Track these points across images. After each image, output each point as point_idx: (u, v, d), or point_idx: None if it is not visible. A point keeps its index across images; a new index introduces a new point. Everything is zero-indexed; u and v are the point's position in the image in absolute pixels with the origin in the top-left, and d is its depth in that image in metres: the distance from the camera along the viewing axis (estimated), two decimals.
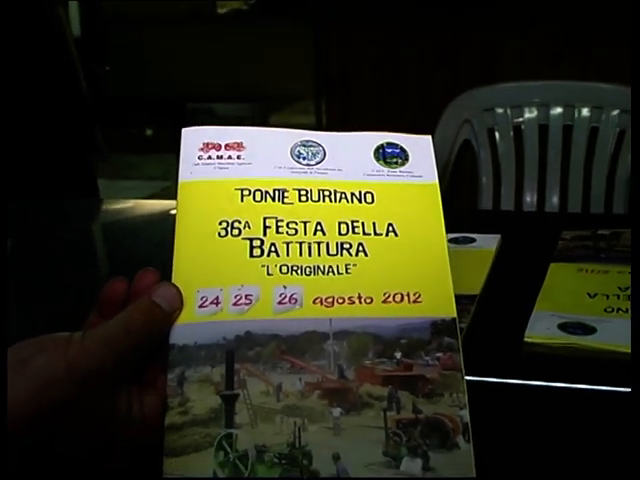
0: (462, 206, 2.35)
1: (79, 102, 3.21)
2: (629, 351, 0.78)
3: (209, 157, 0.71)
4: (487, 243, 1.05)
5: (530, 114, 2.17)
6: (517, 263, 1.02)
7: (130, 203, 1.58)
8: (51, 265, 1.24)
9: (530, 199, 2.18)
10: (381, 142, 0.74)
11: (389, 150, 0.73)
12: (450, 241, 1.06)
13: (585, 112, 2.10)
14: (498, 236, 1.07)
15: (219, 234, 0.67)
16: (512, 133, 2.19)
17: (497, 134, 2.19)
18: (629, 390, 0.72)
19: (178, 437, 0.60)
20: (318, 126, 2.83)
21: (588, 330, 0.84)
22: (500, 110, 2.19)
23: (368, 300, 0.65)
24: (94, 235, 1.51)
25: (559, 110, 2.14)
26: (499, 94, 2.20)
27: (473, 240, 1.07)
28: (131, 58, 5.03)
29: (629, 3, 1.08)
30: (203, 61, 4.73)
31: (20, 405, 0.55)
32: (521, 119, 2.17)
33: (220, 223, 0.68)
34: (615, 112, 2.04)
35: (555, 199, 2.15)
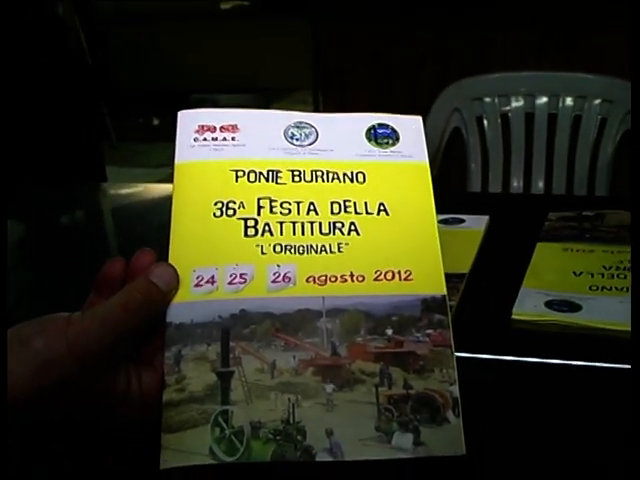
0: (452, 190, 2.33)
1: (88, 91, 3.19)
2: (614, 328, 0.76)
3: (204, 139, 0.69)
4: (476, 224, 1.03)
5: (517, 103, 2.15)
6: (505, 243, 1.00)
7: (140, 187, 1.56)
8: (62, 247, 1.22)
9: (517, 184, 2.17)
10: (373, 123, 0.71)
11: (380, 131, 0.71)
12: (440, 222, 1.04)
13: (569, 101, 2.09)
14: (486, 217, 1.04)
15: (214, 214, 0.65)
16: (500, 121, 2.17)
17: (485, 122, 2.18)
18: (616, 366, 0.70)
19: (175, 413, 0.57)
20: None
21: (574, 307, 0.82)
22: (488, 99, 2.17)
23: (360, 278, 0.63)
24: (103, 217, 1.48)
25: (544, 99, 2.13)
26: (487, 84, 2.18)
27: (462, 221, 1.04)
28: (139, 53, 5.00)
29: None
30: (207, 54, 4.71)
31: (21, 384, 0.52)
32: (508, 108, 2.16)
33: (215, 204, 0.65)
34: (597, 101, 2.03)
35: (540, 183, 2.14)
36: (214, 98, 4.89)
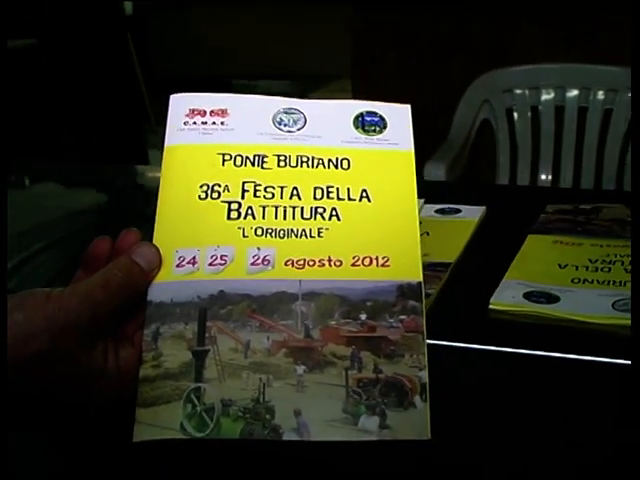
0: (480, 182, 2.32)
1: (130, 75, 3.24)
2: (589, 320, 0.76)
3: (194, 123, 0.70)
4: (471, 214, 1.03)
5: (547, 95, 2.14)
6: (497, 234, 0.99)
7: None
8: (100, 229, 1.23)
9: (545, 177, 2.16)
10: (361, 110, 0.72)
11: (368, 118, 0.71)
12: (436, 211, 1.05)
13: (600, 94, 2.07)
14: (483, 208, 1.04)
15: (199, 197, 0.66)
16: (530, 113, 2.16)
17: (515, 114, 2.17)
18: (589, 358, 0.70)
19: (150, 389, 0.59)
20: None
21: (552, 299, 0.81)
22: (518, 91, 2.16)
23: (338, 263, 0.64)
24: (143, 199, 1.50)
25: (575, 92, 2.11)
26: (518, 76, 2.17)
27: (459, 211, 1.04)
28: (181, 39, 5.03)
29: None
30: (247, 40, 4.72)
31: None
32: (538, 100, 2.14)
33: (201, 186, 0.67)
34: (628, 94, 2.00)
35: (569, 177, 2.12)
36: (255, 84, 4.91)
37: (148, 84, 4.64)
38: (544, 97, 2.13)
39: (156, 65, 4.98)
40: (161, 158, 0.69)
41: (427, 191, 0.90)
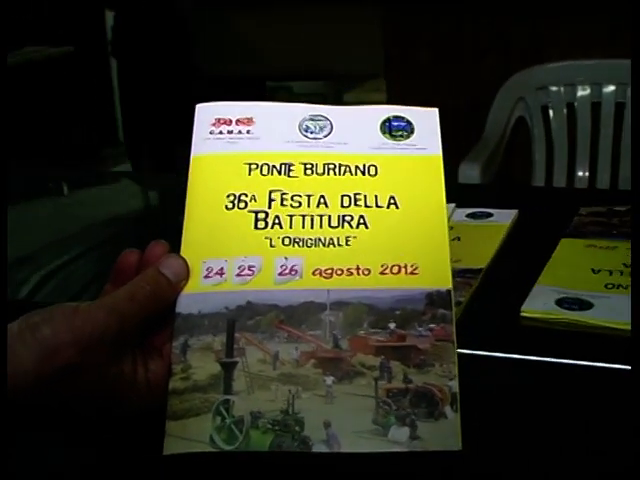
0: (516, 181, 2.30)
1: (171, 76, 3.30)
2: (623, 327, 0.74)
3: (220, 132, 0.70)
4: (503, 218, 1.01)
5: (583, 92, 2.11)
6: (529, 238, 0.97)
7: None
8: (133, 232, 1.25)
9: (582, 174, 2.13)
10: (388, 115, 0.71)
11: (395, 123, 0.71)
12: (467, 216, 1.03)
13: None
14: (515, 211, 1.02)
15: (226, 207, 0.66)
16: (565, 111, 2.13)
17: (551, 112, 2.14)
18: (623, 367, 0.68)
19: (180, 401, 0.59)
20: (389, 104, 2.79)
21: (585, 306, 0.79)
22: (554, 88, 2.14)
23: (366, 272, 0.63)
24: (175, 203, 1.50)
25: (612, 88, 2.08)
26: (553, 73, 2.15)
27: (490, 215, 1.02)
28: (215, 40, 5.04)
29: None
30: (281, 41, 4.72)
31: (26, 371, 0.54)
32: (574, 97, 2.12)
33: (228, 196, 0.66)
34: None
35: (606, 175, 2.09)
36: (289, 85, 4.91)
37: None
38: (580, 93, 2.10)
39: (195, 65, 5.00)
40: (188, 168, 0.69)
41: (459, 195, 0.89)
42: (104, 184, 1.62)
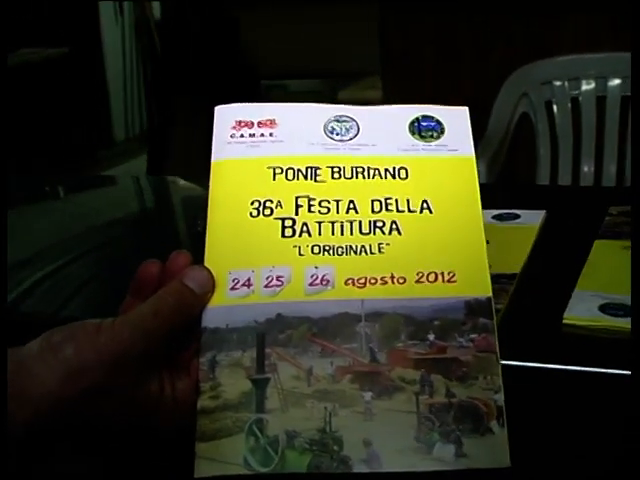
0: (520, 177, 2.27)
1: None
2: None
3: (241, 135, 0.67)
4: (531, 219, 0.98)
5: (587, 86, 2.09)
6: (561, 240, 0.94)
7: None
8: (131, 237, 1.23)
9: (587, 170, 2.10)
10: (416, 115, 0.68)
11: (424, 123, 0.68)
12: (494, 217, 1.00)
13: None
14: (543, 212, 0.99)
15: (251, 214, 0.63)
16: (570, 105, 2.11)
17: (555, 107, 2.12)
18: None
19: (210, 421, 0.56)
20: (385, 101, 2.77)
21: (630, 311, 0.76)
22: (558, 83, 2.11)
23: (401, 280, 0.60)
24: (174, 208, 1.48)
25: (617, 82, 2.06)
26: (557, 67, 2.12)
27: (517, 216, 0.99)
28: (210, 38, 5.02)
29: None
30: (275, 40, 4.70)
31: (50, 392, 0.52)
32: (578, 91, 2.09)
33: (252, 203, 0.63)
34: None
35: (612, 170, 2.07)
36: (284, 84, 4.88)
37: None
38: (584, 88, 2.08)
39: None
40: (208, 174, 0.66)
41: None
42: (100, 187, 1.60)
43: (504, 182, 1.92)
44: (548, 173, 2.12)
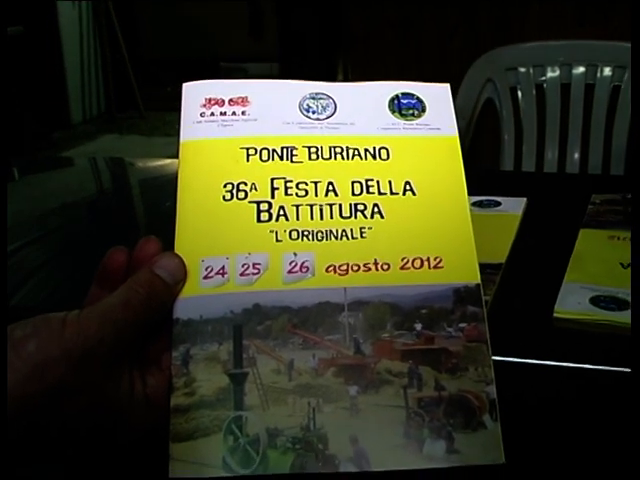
0: (484, 164, 2.26)
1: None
2: None
3: (212, 114, 0.63)
4: (513, 207, 0.95)
5: (552, 73, 2.08)
6: (545, 228, 0.91)
7: (167, 161, 1.51)
8: (88, 222, 1.20)
9: (551, 156, 2.10)
10: (396, 92, 0.65)
11: (405, 101, 0.64)
12: (474, 204, 0.98)
13: (607, 71, 2.01)
14: (524, 199, 0.96)
15: (224, 198, 0.59)
16: (534, 92, 2.10)
17: (520, 93, 2.10)
18: None
19: (185, 420, 0.52)
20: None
21: (622, 305, 0.73)
22: (523, 69, 2.10)
23: (385, 266, 0.57)
24: (131, 192, 1.44)
25: (581, 69, 2.05)
26: (522, 53, 2.11)
27: (498, 204, 0.97)
28: (167, 22, 4.97)
29: None
30: (234, 22, 4.66)
31: (12, 389, 0.48)
32: (543, 78, 2.08)
33: (225, 186, 0.59)
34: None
35: (576, 157, 2.07)
36: (244, 67, 4.83)
37: (135, 68, 4.57)
38: (549, 75, 2.07)
39: (143, 49, 4.93)
40: (176, 152, 0.62)
41: None
42: (56, 169, 1.57)
43: (480, 168, 1.90)
44: (512, 159, 2.11)
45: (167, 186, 1.31)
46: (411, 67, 2.33)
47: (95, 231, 1.13)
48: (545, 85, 2.07)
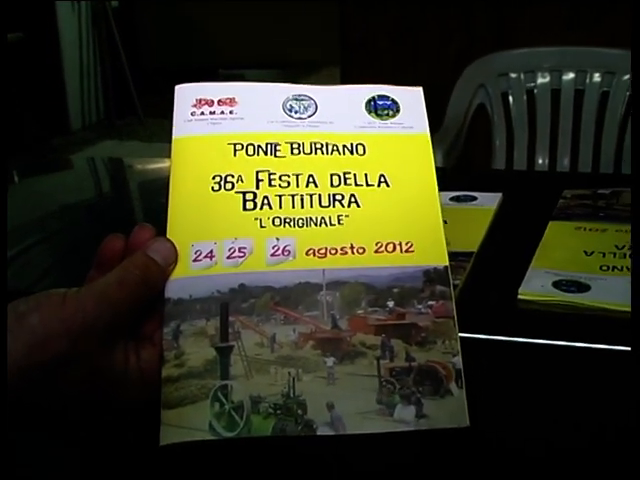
0: (476, 168, 2.31)
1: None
2: (622, 309, 0.73)
3: (202, 113, 0.68)
4: (488, 201, 1.01)
5: (543, 79, 2.12)
6: (517, 221, 0.97)
7: (167, 162, 1.55)
8: (87, 222, 1.23)
9: (542, 161, 2.14)
10: (372, 94, 0.71)
11: (380, 102, 0.70)
12: (452, 199, 1.03)
13: (597, 77, 2.06)
14: (499, 195, 1.02)
15: (212, 189, 0.64)
16: (525, 97, 2.14)
17: (511, 98, 2.15)
18: (622, 348, 0.68)
19: (174, 389, 0.57)
20: None
21: (582, 288, 0.79)
22: (514, 75, 2.14)
23: (360, 250, 0.62)
24: (130, 193, 1.48)
25: (571, 75, 2.09)
26: (513, 59, 2.15)
27: (474, 198, 1.02)
28: (166, 29, 5.00)
29: None
30: (234, 30, 4.69)
31: (15, 360, 0.52)
32: (534, 84, 2.13)
33: (213, 178, 0.65)
34: (626, 77, 1.99)
35: (566, 161, 2.11)
36: (242, 73, 4.88)
37: (134, 75, 4.60)
38: (540, 80, 2.11)
39: (143, 56, 4.96)
40: (169, 150, 0.67)
41: (438, 179, 0.87)
42: (54, 171, 1.60)
43: (462, 167, 1.95)
44: (504, 164, 2.15)
45: (165, 187, 1.36)
46: (405, 73, 2.38)
47: (95, 232, 1.16)
48: (536, 91, 2.12)
